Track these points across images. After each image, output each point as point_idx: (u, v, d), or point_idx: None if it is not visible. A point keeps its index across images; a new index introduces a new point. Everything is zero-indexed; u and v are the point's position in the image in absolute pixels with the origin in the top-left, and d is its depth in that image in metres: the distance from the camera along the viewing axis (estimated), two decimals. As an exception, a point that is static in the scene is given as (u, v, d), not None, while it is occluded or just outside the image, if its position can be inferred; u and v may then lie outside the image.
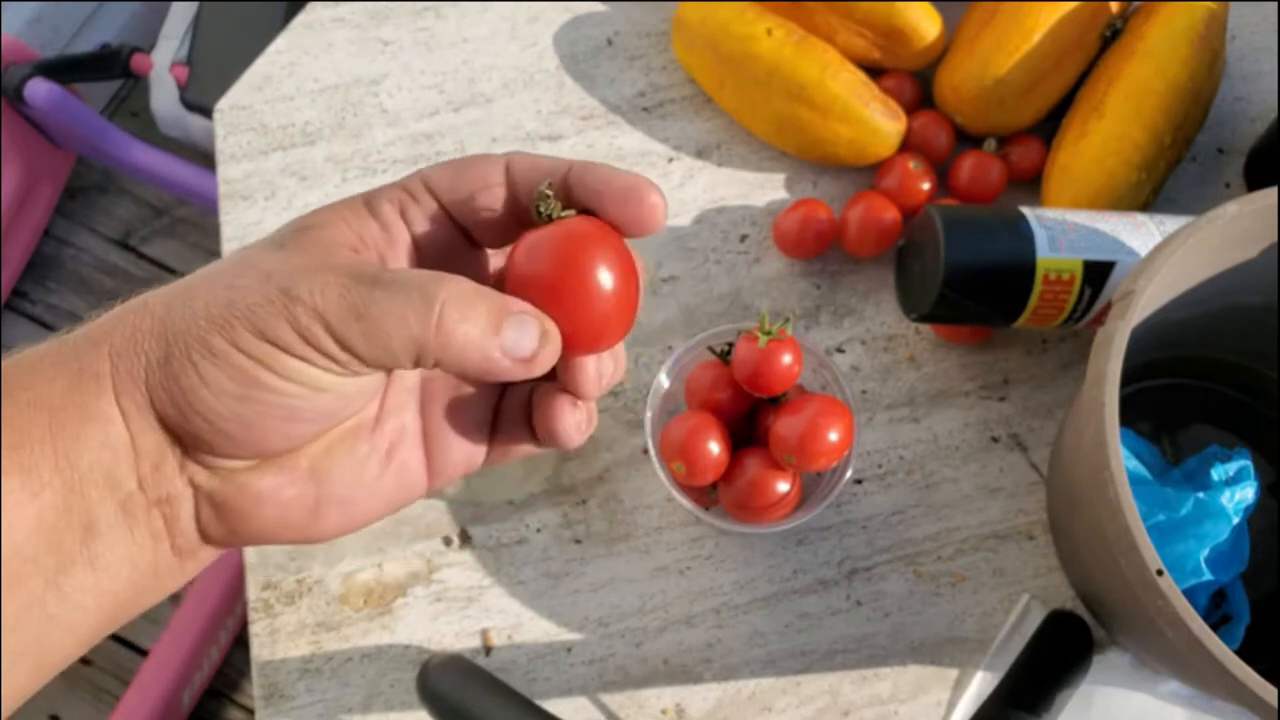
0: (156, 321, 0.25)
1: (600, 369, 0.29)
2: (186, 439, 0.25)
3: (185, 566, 0.27)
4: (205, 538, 0.27)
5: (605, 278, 0.26)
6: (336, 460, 0.28)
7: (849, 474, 0.50)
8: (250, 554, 0.54)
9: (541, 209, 0.27)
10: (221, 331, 0.24)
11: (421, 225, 0.28)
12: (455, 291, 0.25)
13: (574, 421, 0.29)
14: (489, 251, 0.31)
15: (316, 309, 0.24)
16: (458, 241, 0.29)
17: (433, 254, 0.28)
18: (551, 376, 0.29)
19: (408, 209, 0.27)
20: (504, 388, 0.31)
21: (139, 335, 0.25)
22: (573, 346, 0.27)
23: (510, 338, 0.25)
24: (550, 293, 0.26)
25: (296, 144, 0.63)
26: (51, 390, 0.24)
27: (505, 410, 0.31)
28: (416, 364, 0.25)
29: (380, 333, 0.24)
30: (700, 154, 0.63)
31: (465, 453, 0.30)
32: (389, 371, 0.27)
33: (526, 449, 0.31)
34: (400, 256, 0.28)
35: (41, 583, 0.24)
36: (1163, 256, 0.42)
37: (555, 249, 0.26)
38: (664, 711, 0.51)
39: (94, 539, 0.25)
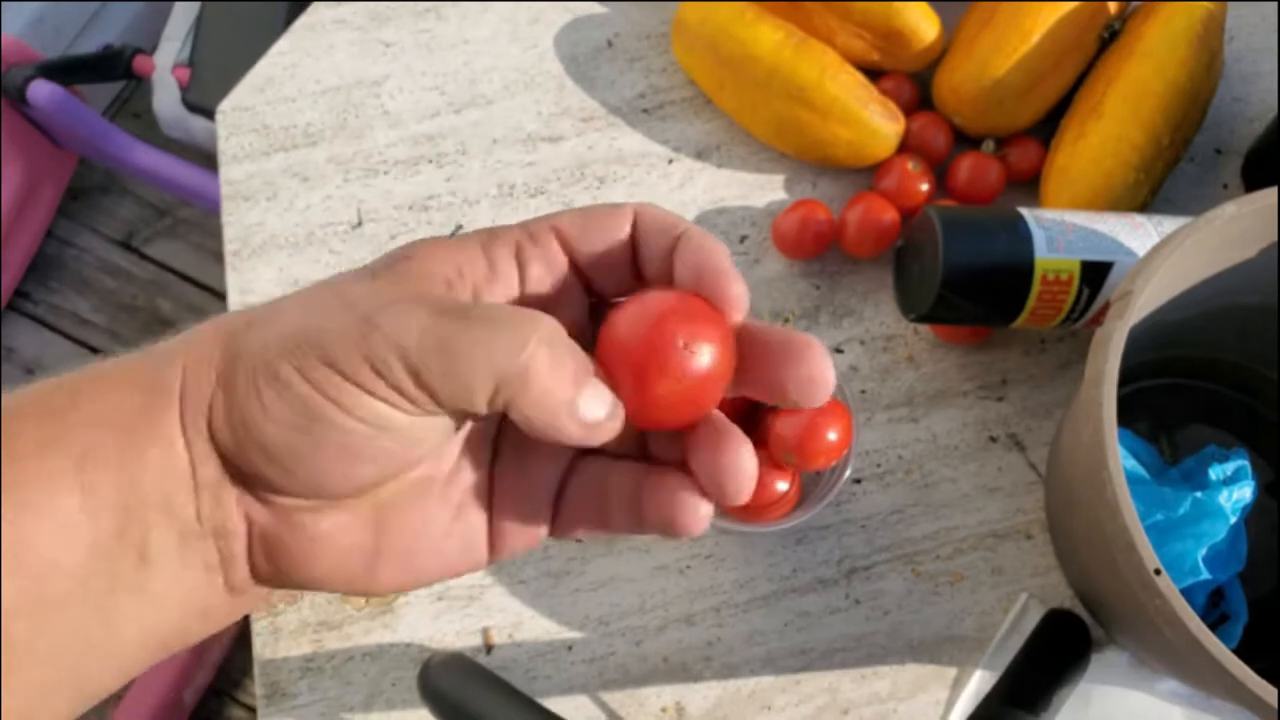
0: (230, 338, 0.24)
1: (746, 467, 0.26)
2: (242, 470, 0.24)
3: (237, 604, 0.26)
4: (256, 576, 0.25)
5: (686, 355, 0.24)
6: (402, 510, 0.26)
7: (848, 473, 0.50)
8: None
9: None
10: (290, 358, 0.22)
11: (536, 268, 0.26)
12: (550, 334, 0.23)
13: (693, 507, 0.25)
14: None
15: (395, 340, 0.22)
16: (570, 288, 0.27)
17: (537, 298, 0.26)
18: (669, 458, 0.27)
19: (524, 249, 0.26)
20: (571, 464, 0.28)
21: (212, 351, 0.23)
22: (637, 420, 0.25)
23: (586, 400, 0.23)
24: (627, 361, 0.25)
25: (298, 145, 0.64)
26: (124, 406, 0.23)
27: (572, 487, 0.28)
28: (489, 406, 0.23)
29: (462, 366, 0.22)
30: (700, 155, 0.63)
31: (530, 525, 0.27)
32: (458, 420, 0.25)
33: (584, 532, 0.28)
34: (498, 295, 0.26)
35: (88, 610, 0.23)
36: (1160, 257, 0.42)
37: (642, 318, 0.25)
38: (664, 709, 0.51)
39: (146, 567, 0.23)
